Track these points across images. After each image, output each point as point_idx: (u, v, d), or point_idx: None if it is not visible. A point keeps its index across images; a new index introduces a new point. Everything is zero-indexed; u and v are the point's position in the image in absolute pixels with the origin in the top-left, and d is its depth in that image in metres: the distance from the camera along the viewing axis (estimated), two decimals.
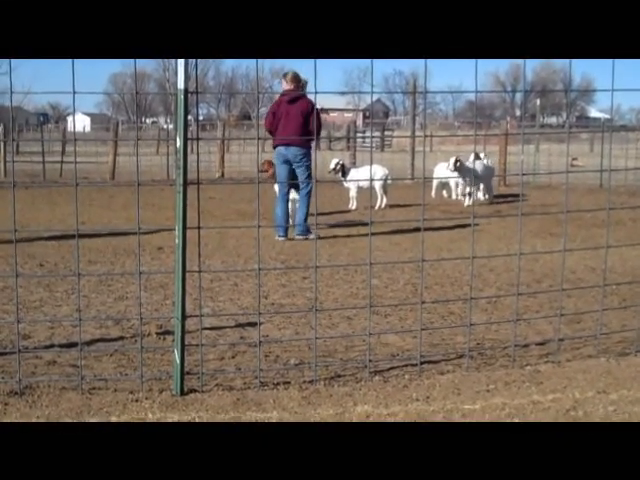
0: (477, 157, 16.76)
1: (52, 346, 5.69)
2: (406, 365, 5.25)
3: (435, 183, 17.75)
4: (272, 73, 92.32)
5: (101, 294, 7.49)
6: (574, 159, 25.37)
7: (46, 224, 12.36)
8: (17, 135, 19.19)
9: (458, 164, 15.37)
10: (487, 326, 6.25)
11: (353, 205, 15.66)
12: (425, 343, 5.53)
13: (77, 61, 4.36)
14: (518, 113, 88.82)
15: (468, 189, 15.82)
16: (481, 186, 17.27)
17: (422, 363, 5.16)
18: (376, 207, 15.46)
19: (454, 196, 17.74)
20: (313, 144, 11.12)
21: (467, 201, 15.86)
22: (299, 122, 11.25)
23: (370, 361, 5.12)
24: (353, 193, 15.72)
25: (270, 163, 12.25)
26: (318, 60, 4.64)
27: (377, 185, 15.68)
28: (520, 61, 4.89)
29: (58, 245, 10.44)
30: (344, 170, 15.37)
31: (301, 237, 11.56)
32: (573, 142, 36.25)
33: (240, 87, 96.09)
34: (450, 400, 4.57)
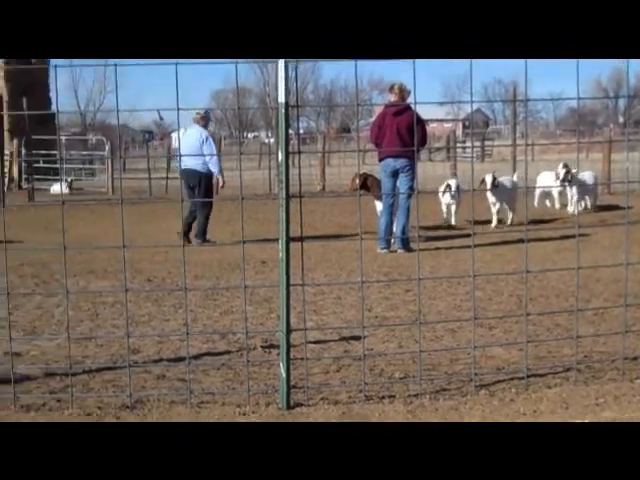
0: (568, 172, 16.31)
1: (161, 360, 5.81)
2: (512, 378, 5.19)
3: (538, 192, 17.51)
4: (371, 85, 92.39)
5: (207, 308, 7.61)
6: None
7: (153, 239, 12.61)
8: (124, 152, 19.65)
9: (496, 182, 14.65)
10: (595, 338, 6.13)
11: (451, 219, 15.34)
12: (531, 356, 5.46)
13: (180, 79, 4.48)
14: (621, 119, 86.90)
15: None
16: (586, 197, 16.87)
17: (529, 376, 5.10)
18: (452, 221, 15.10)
19: (557, 205, 17.49)
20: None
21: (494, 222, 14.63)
22: (406, 134, 11.27)
23: (475, 374, 5.08)
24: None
25: (361, 176, 12.25)
26: (417, 70, 4.65)
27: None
28: (623, 66, 4.82)
29: (165, 260, 10.65)
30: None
31: (402, 249, 11.55)
32: None
33: (339, 100, 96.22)
34: (558, 414, 4.50)
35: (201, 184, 12.83)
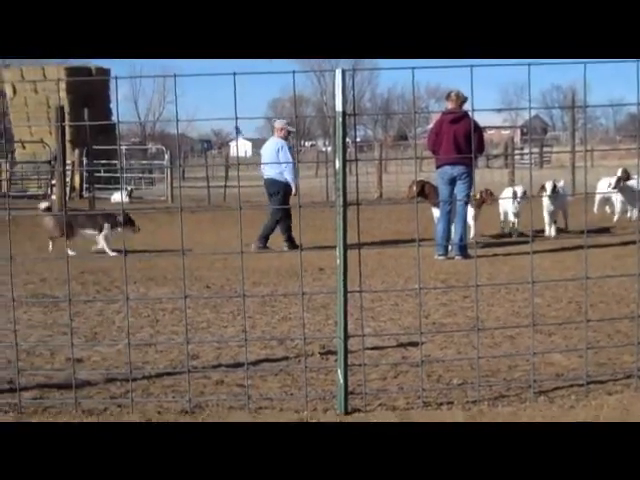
0: (619, 179, 16.03)
1: (219, 366, 5.86)
2: (572, 385, 5.14)
3: (598, 199, 17.29)
4: (427, 92, 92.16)
5: (265, 315, 7.65)
6: None
7: (211, 247, 12.73)
8: (183, 161, 19.88)
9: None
10: None
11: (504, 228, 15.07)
12: (591, 362, 5.41)
13: (238, 88, 4.54)
14: None
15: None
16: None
17: (589, 383, 5.05)
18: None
19: (617, 211, 17.21)
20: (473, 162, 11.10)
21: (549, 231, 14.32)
22: (463, 141, 11.23)
23: (534, 381, 5.04)
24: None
25: (418, 184, 12.23)
26: (474, 78, 4.66)
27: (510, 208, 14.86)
28: None
29: (223, 267, 10.74)
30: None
31: (460, 256, 11.51)
32: None
33: (396, 108, 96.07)
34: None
35: (279, 193, 13.01)
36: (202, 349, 6.30)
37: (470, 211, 12.76)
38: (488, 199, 13.40)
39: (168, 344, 6.49)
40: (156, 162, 35.97)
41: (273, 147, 13.36)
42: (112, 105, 34.42)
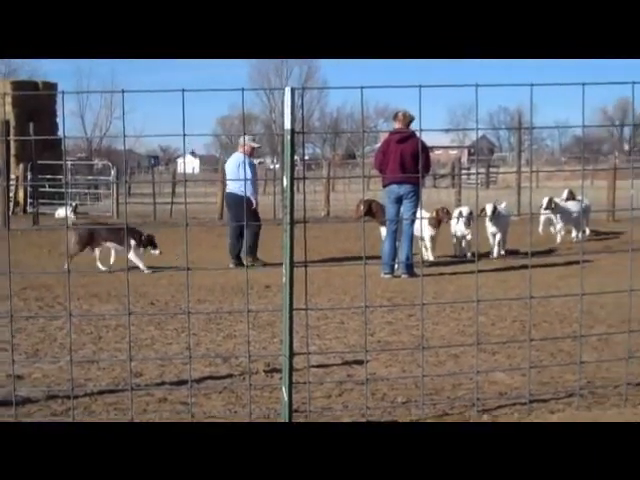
0: (572, 196, 16.34)
1: (163, 384, 5.80)
2: (514, 404, 5.18)
3: (542, 219, 17.50)
4: (376, 112, 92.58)
5: (210, 332, 7.61)
6: None
7: (157, 263, 12.62)
8: (129, 177, 19.75)
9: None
10: (598, 364, 6.11)
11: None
12: (534, 381, 5.45)
13: (187, 105, 4.52)
14: (627, 147, 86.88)
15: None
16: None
17: (531, 402, 5.09)
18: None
19: (562, 232, 17.42)
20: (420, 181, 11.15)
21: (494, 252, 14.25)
22: (410, 160, 11.28)
23: (478, 399, 5.07)
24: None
25: (366, 203, 12.23)
26: (422, 98, 4.69)
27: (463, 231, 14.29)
28: (628, 94, 4.87)
29: (168, 284, 10.66)
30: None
31: (406, 274, 11.56)
32: None
33: (345, 127, 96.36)
34: None
35: (243, 207, 12.95)
36: (145, 366, 6.24)
37: (427, 230, 12.87)
38: (445, 217, 13.35)
39: (111, 361, 6.42)
40: (102, 178, 35.68)
41: (235, 162, 13.44)
42: (59, 120, 34.12)
